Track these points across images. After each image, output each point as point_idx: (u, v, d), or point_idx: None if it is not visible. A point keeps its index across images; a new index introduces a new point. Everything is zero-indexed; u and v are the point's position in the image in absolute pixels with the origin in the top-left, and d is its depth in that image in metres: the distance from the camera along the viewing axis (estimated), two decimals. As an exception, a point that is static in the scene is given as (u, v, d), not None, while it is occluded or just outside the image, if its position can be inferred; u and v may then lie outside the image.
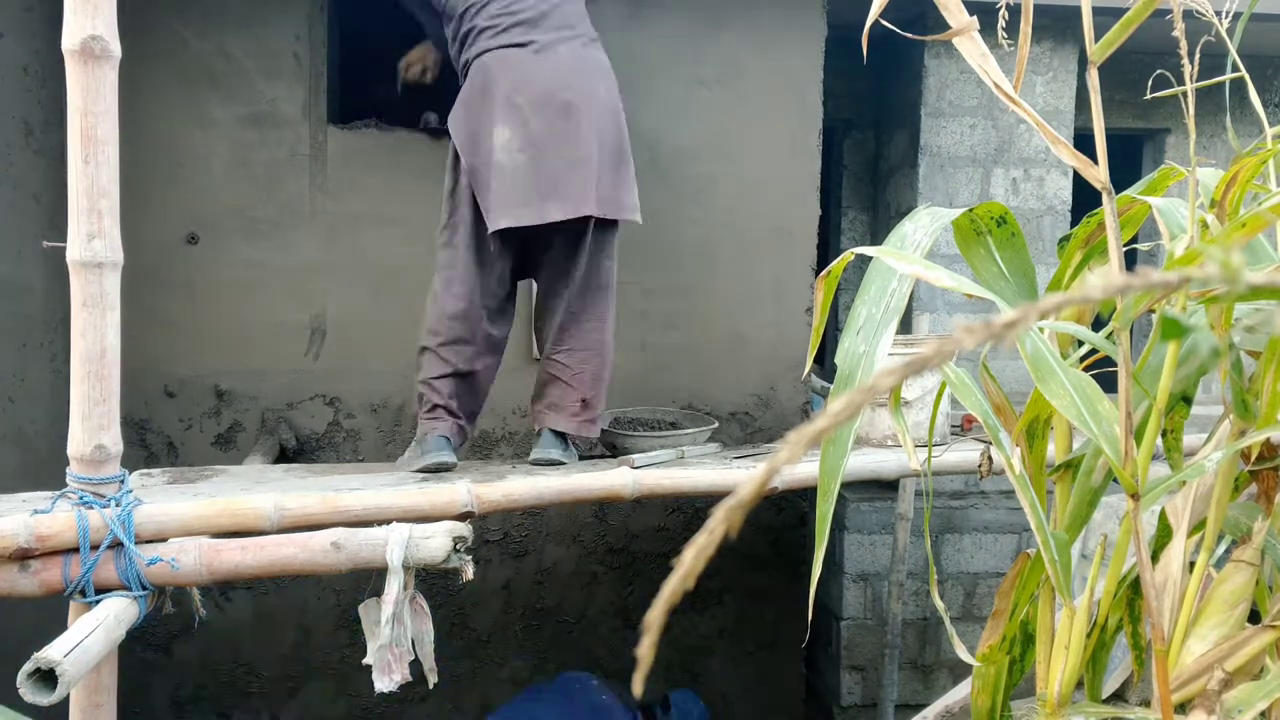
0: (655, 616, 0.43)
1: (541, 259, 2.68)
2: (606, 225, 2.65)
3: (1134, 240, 1.62)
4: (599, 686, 2.71)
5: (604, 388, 2.71)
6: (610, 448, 2.87)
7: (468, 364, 2.63)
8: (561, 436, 2.70)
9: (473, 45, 2.58)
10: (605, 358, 2.69)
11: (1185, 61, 1.21)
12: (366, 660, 1.94)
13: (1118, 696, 1.63)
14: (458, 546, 1.88)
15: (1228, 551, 1.33)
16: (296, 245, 3.27)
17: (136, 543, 1.76)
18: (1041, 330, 1.18)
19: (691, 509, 3.56)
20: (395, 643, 1.90)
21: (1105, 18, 1.15)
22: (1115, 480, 1.15)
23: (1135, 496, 1.11)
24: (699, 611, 3.58)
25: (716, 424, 3.02)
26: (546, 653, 3.54)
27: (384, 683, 1.93)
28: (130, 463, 2.14)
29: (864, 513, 4.15)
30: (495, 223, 2.49)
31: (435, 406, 2.62)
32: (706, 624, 3.60)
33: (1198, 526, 1.32)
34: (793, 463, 0.43)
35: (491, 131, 2.50)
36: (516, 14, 2.54)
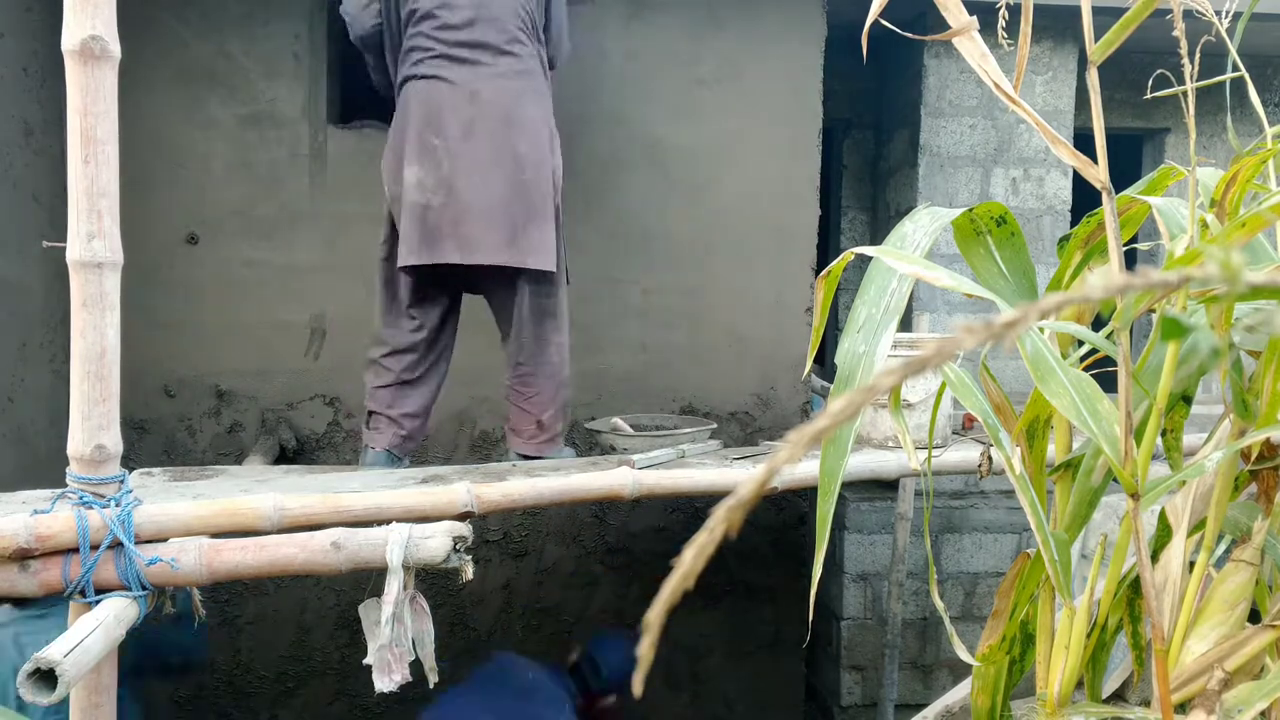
0: (655, 616, 0.43)
1: (480, 287, 2.69)
2: (532, 270, 2.61)
3: (1134, 240, 1.63)
4: (526, 664, 2.68)
5: (560, 408, 2.73)
6: (609, 451, 2.87)
7: (410, 372, 2.67)
8: (527, 458, 2.74)
9: (404, 66, 2.56)
10: (558, 379, 2.70)
11: (1185, 61, 1.21)
12: (366, 660, 1.94)
13: (1118, 696, 1.63)
14: (457, 546, 1.88)
15: (1228, 551, 1.33)
16: (296, 245, 3.27)
17: (136, 543, 1.76)
18: (1041, 330, 1.18)
19: (691, 509, 3.56)
20: (395, 643, 1.90)
21: (1105, 18, 1.15)
22: (1115, 480, 1.15)
23: (1135, 496, 1.11)
24: (699, 611, 3.58)
25: (715, 426, 3.02)
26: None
27: (384, 683, 1.93)
28: (130, 463, 2.14)
29: (864, 513, 4.15)
30: (401, 259, 2.52)
31: (373, 414, 2.68)
32: (706, 624, 3.60)
33: (1198, 526, 1.32)
34: (793, 463, 0.43)
35: (405, 167, 2.51)
36: (449, 41, 2.49)
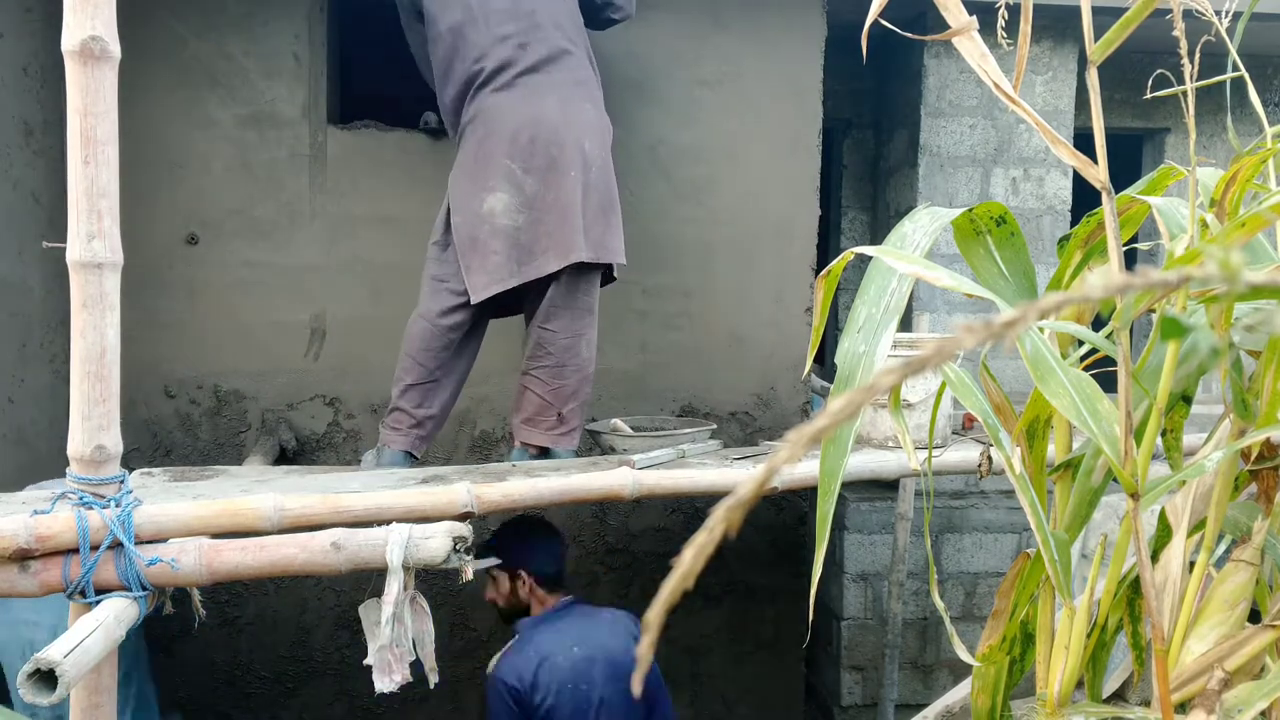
0: (655, 616, 0.43)
1: (523, 292, 2.71)
2: (589, 265, 2.68)
3: (1134, 240, 1.62)
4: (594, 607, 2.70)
5: (581, 405, 2.74)
6: (610, 450, 2.87)
7: (439, 371, 2.69)
8: (535, 453, 2.74)
9: (471, 96, 2.65)
10: (584, 374, 2.71)
11: (1185, 61, 1.21)
12: (367, 661, 1.94)
13: (1118, 696, 1.63)
14: (458, 546, 1.88)
15: (1228, 551, 1.33)
16: (296, 245, 3.27)
17: (136, 543, 1.76)
18: (1041, 330, 1.18)
19: (691, 509, 3.56)
20: (395, 643, 1.90)
21: (1105, 17, 1.15)
22: (1115, 480, 1.15)
23: (1135, 496, 1.11)
24: (699, 611, 3.58)
25: (715, 426, 3.02)
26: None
27: (384, 683, 1.93)
28: (130, 463, 2.14)
29: (864, 513, 4.15)
30: (488, 288, 2.57)
31: (397, 410, 2.68)
32: (706, 624, 3.60)
33: (1198, 526, 1.32)
34: (792, 463, 0.43)
35: (489, 195, 2.57)
36: (512, 69, 2.59)
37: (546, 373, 2.68)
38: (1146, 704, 1.52)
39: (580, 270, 2.65)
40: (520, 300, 2.74)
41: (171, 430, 3.27)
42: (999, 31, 1.20)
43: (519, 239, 2.57)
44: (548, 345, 2.67)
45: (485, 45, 2.59)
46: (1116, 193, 1.19)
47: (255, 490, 2.23)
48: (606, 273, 2.78)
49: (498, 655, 2.57)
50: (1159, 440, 1.21)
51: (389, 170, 3.28)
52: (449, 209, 2.68)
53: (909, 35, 1.38)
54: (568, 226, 2.57)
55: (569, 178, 2.58)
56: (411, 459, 2.68)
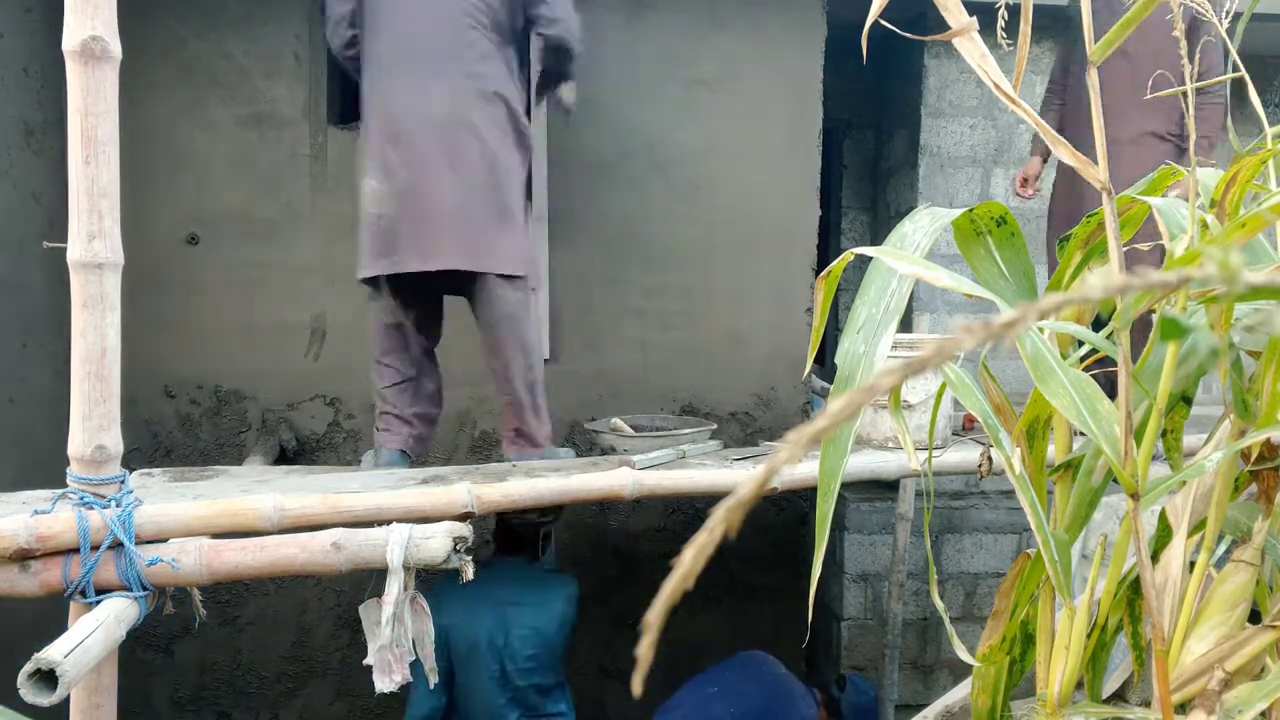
0: (655, 616, 0.43)
1: (456, 290, 2.69)
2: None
3: (1134, 240, 1.62)
4: (776, 661, 2.87)
5: (534, 413, 2.69)
6: (610, 450, 2.87)
7: (412, 368, 2.69)
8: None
9: (364, 74, 2.59)
10: (528, 383, 2.67)
11: (1185, 61, 1.21)
12: (367, 661, 1.94)
13: (1118, 696, 1.63)
14: (458, 547, 1.88)
15: (1228, 551, 1.33)
16: (296, 245, 3.27)
17: (137, 543, 1.76)
18: (1041, 330, 1.18)
19: (691, 509, 3.56)
20: (396, 643, 1.90)
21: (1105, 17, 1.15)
22: (1115, 480, 1.15)
23: (1135, 496, 1.11)
24: (699, 611, 3.58)
25: (715, 426, 3.02)
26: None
27: (384, 683, 1.93)
28: (130, 463, 2.14)
29: (864, 513, 4.15)
30: (361, 270, 2.57)
31: (385, 414, 2.69)
32: (706, 624, 3.60)
33: (1198, 526, 1.32)
34: (793, 463, 0.43)
35: (362, 179, 2.56)
36: (397, 53, 2.51)
37: (499, 390, 2.68)
38: (1146, 704, 1.52)
39: (489, 281, 2.56)
40: (434, 292, 2.70)
41: (172, 430, 3.27)
42: (999, 32, 1.20)
43: (380, 226, 2.52)
44: (493, 363, 2.65)
45: (384, 23, 2.52)
46: (1116, 193, 1.19)
47: (255, 490, 2.23)
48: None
49: None
50: (1159, 440, 1.21)
51: (389, 170, 3.28)
52: None
53: (909, 36, 1.38)
54: (432, 226, 2.49)
55: (446, 178, 2.48)
56: (407, 458, 2.68)
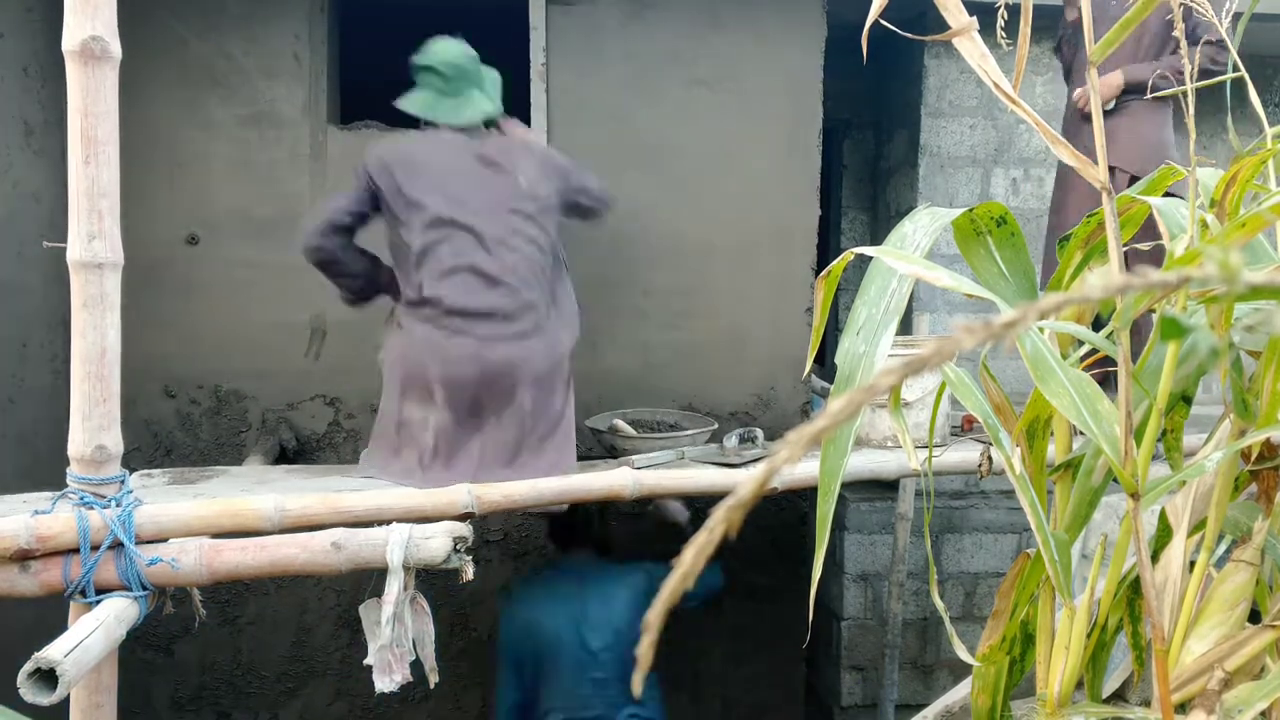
0: (655, 616, 0.43)
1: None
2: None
3: (1134, 240, 1.62)
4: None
5: None
6: (610, 450, 2.87)
7: None
8: None
9: (406, 307, 2.49)
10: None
11: (1185, 61, 1.21)
12: (367, 661, 1.94)
13: (1118, 696, 1.63)
14: (458, 547, 1.88)
15: (1228, 551, 1.33)
16: (296, 245, 3.27)
17: (137, 543, 1.76)
18: (1041, 330, 1.18)
19: (692, 509, 3.56)
20: (396, 643, 1.90)
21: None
22: (1115, 480, 1.15)
23: (1135, 496, 1.11)
24: (699, 612, 3.58)
25: (716, 425, 3.02)
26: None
27: (385, 683, 1.93)
28: (130, 463, 2.14)
29: (864, 513, 4.15)
30: (381, 472, 2.51)
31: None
32: (706, 624, 3.60)
33: (1198, 526, 1.32)
34: (793, 463, 0.43)
35: (405, 396, 2.48)
36: (461, 301, 2.43)
37: None
38: (1146, 704, 1.52)
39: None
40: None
41: (172, 430, 3.27)
42: (999, 32, 1.20)
43: (422, 453, 2.47)
44: None
45: (444, 270, 2.44)
46: (1116, 193, 1.19)
47: (255, 490, 2.23)
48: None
49: None
50: (1159, 441, 1.21)
51: (389, 170, 3.28)
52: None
53: (909, 35, 1.38)
54: (478, 461, 2.45)
55: (489, 422, 2.47)
56: None
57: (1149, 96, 3.03)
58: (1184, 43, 1.25)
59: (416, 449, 2.48)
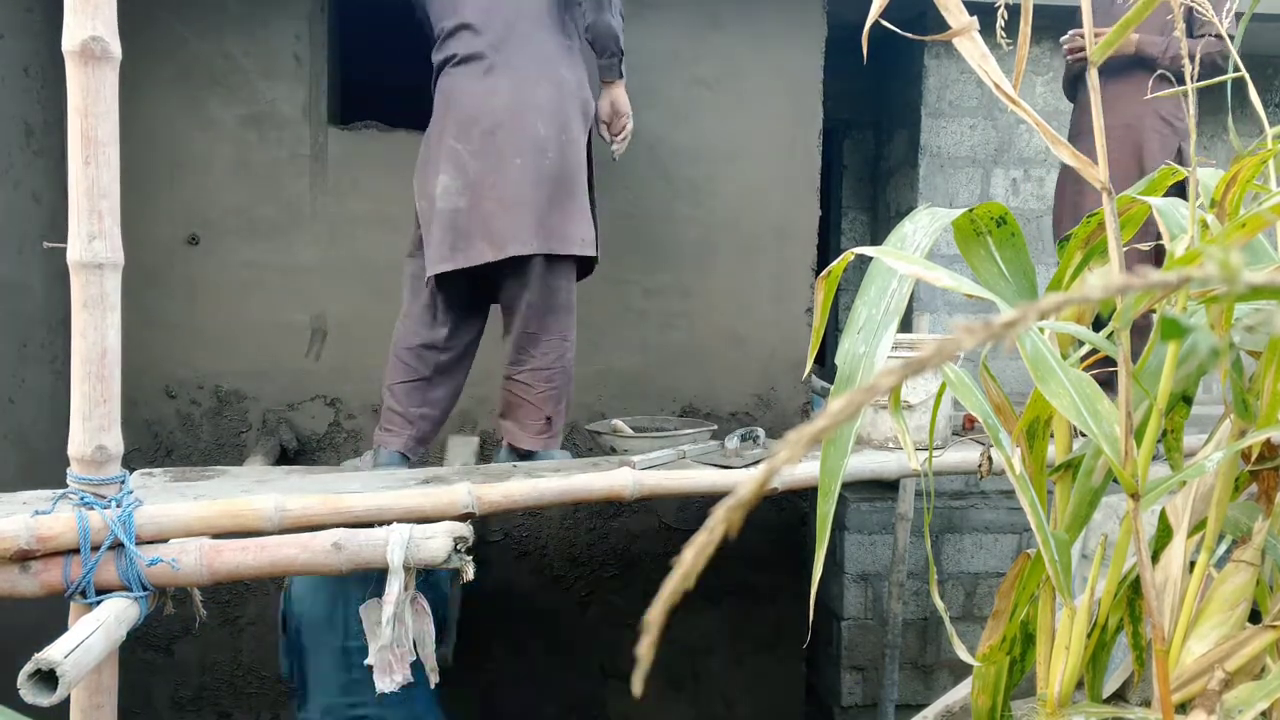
0: (655, 616, 0.43)
1: (497, 283, 2.67)
2: (557, 257, 2.61)
3: (1134, 240, 1.62)
4: None
5: (566, 404, 2.72)
6: (610, 452, 2.87)
7: (434, 370, 2.66)
8: (522, 455, 2.72)
9: (436, 76, 2.64)
10: (567, 374, 2.69)
11: (1185, 61, 1.21)
12: (368, 661, 1.94)
13: (1118, 696, 1.63)
14: (458, 547, 1.89)
15: (1228, 551, 1.33)
16: (296, 245, 3.27)
17: (137, 543, 1.76)
18: (1041, 330, 1.18)
19: (693, 507, 3.56)
20: (396, 643, 1.91)
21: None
22: (1115, 480, 1.15)
23: (1135, 496, 1.11)
24: (699, 611, 3.58)
25: (715, 427, 3.02)
26: (547, 655, 3.54)
27: (385, 683, 1.93)
28: (131, 463, 2.14)
29: (864, 513, 4.15)
30: (434, 266, 2.54)
31: (390, 411, 2.66)
32: (706, 624, 3.60)
33: (1198, 526, 1.32)
34: (793, 463, 0.43)
35: (436, 177, 2.55)
36: (470, 42, 2.55)
37: (532, 375, 2.65)
38: (1147, 704, 1.52)
39: (551, 265, 2.58)
40: (496, 290, 2.69)
41: (172, 430, 3.27)
42: (999, 32, 1.20)
43: (456, 222, 2.52)
44: (531, 349, 2.64)
45: (446, 24, 2.58)
46: (1116, 193, 1.19)
47: (256, 490, 2.23)
48: (584, 264, 2.72)
49: None
50: (1159, 441, 1.21)
51: (389, 170, 3.28)
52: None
53: (909, 35, 1.38)
54: (509, 216, 2.50)
55: (513, 165, 2.50)
56: (406, 460, 2.67)
57: (1150, 96, 3.03)
58: (1184, 43, 1.25)
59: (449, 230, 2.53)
